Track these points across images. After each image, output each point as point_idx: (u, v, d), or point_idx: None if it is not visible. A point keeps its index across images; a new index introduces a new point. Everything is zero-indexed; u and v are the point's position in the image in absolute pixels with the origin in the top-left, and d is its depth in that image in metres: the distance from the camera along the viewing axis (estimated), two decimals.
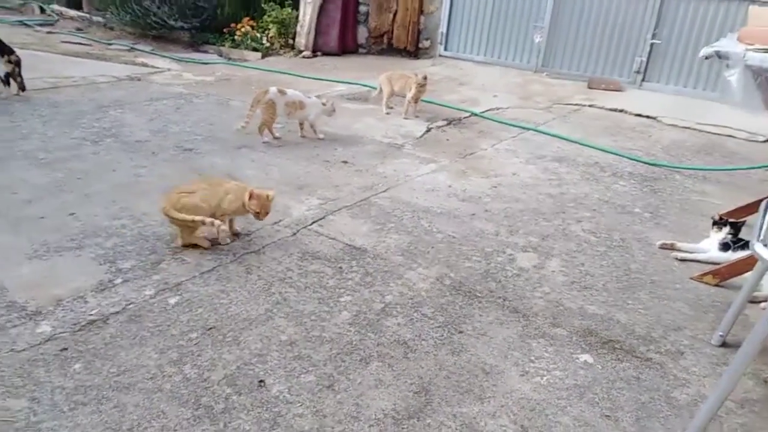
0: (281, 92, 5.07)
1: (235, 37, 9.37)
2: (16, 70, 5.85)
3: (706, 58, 2.55)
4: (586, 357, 2.61)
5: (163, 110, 5.92)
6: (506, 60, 9.09)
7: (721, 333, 2.75)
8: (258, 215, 3.28)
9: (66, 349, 2.39)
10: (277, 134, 5.29)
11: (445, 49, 9.49)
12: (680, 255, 3.61)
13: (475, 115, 6.65)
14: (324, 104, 5.20)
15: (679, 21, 7.85)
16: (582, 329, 2.82)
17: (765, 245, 1.95)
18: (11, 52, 5.81)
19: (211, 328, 2.59)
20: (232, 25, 9.47)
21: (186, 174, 4.30)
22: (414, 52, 9.60)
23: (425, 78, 6.14)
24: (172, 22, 9.35)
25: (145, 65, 8.16)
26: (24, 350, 2.36)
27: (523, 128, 6.28)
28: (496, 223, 3.91)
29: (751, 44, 2.55)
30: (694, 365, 2.61)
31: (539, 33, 8.66)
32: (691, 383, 2.49)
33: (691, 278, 3.36)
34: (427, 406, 2.25)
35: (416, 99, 6.26)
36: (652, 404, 2.36)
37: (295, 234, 3.55)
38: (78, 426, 2.02)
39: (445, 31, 9.41)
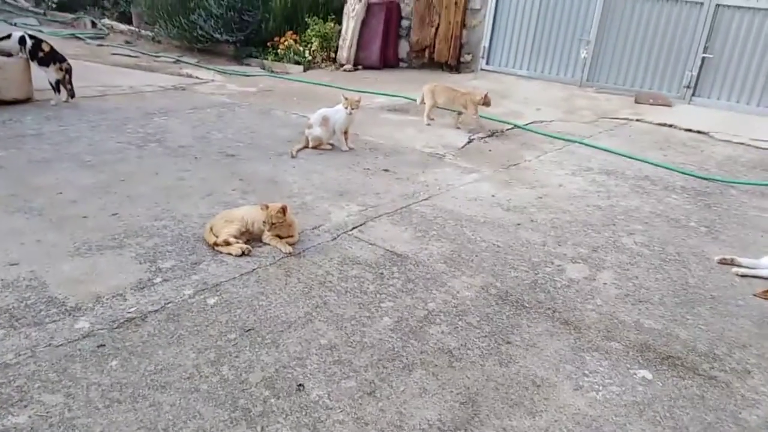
0: (324, 118, 5.12)
1: (278, 51, 9.46)
2: (67, 77, 6.00)
3: None
4: (644, 373, 2.44)
5: (207, 118, 5.97)
6: (550, 74, 8.93)
7: None
8: (265, 224, 3.24)
9: (103, 345, 2.35)
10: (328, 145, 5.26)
11: (487, 63, 9.38)
12: (741, 270, 3.40)
13: (518, 127, 6.51)
14: (346, 104, 5.04)
15: (732, 34, 7.58)
16: (638, 344, 2.64)
17: None
18: (63, 59, 5.97)
19: (249, 330, 2.52)
20: (276, 38, 9.57)
21: (228, 178, 4.29)
22: (455, 66, 9.53)
23: (487, 96, 6.01)
24: (217, 36, 9.52)
25: (189, 76, 8.30)
26: (61, 345, 2.33)
27: (568, 141, 6.12)
28: (543, 234, 3.76)
29: None
30: (762, 385, 2.41)
31: (585, 47, 8.49)
32: (761, 404, 2.29)
33: (755, 295, 3.15)
34: (475, 417, 2.12)
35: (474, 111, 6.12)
36: (719, 425, 2.17)
37: (335, 239, 3.47)
38: (112, 423, 1.96)
39: (487, 45, 9.32)
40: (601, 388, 2.33)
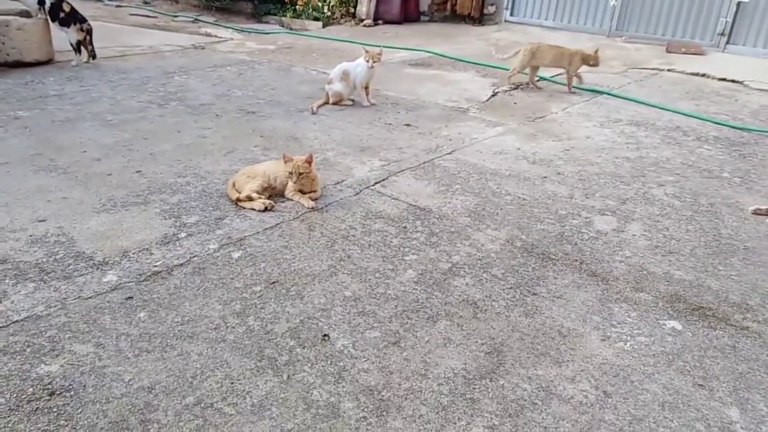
0: (344, 73, 5.00)
1: (297, 7, 9.30)
2: (88, 38, 5.98)
3: None
4: (673, 323, 2.40)
5: (227, 76, 5.92)
6: (577, 24, 8.64)
7: None
8: (291, 175, 3.20)
9: (131, 298, 2.38)
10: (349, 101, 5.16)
11: (511, 14, 9.11)
12: None
13: (544, 79, 6.33)
14: (367, 57, 4.85)
15: None
16: (668, 295, 2.59)
17: None
18: (84, 20, 5.93)
19: (274, 282, 2.53)
20: None
21: (249, 135, 4.26)
22: (478, 18, 9.28)
23: (597, 52, 5.67)
24: None
25: (208, 35, 8.21)
26: (90, 298, 2.36)
27: (596, 92, 5.94)
28: (570, 186, 3.68)
29: None
30: None
31: None
32: None
33: None
34: (500, 366, 2.10)
35: (575, 70, 5.81)
36: (751, 375, 2.13)
37: (357, 194, 3.44)
38: (142, 372, 1.99)
39: None
40: (629, 338, 2.30)
